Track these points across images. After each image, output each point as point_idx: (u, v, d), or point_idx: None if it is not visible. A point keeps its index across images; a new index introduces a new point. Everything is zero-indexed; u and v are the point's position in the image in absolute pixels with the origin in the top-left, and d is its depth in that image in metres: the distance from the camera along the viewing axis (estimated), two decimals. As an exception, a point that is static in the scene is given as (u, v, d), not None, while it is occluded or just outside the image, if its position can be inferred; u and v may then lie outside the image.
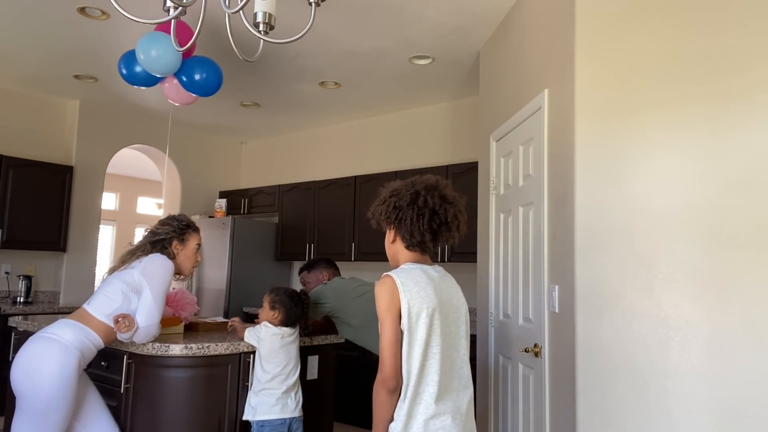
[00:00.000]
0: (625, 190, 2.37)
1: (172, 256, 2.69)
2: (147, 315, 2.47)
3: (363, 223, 5.40)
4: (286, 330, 2.72)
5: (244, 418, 2.66)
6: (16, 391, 2.33)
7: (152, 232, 2.73)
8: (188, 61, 3.39)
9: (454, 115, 5.42)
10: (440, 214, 1.88)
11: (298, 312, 2.75)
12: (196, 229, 2.83)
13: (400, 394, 1.79)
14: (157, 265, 2.56)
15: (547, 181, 2.77)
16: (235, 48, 2.03)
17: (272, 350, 2.67)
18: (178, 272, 2.76)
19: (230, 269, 5.89)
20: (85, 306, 2.50)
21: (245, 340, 2.72)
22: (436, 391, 1.79)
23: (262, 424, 2.61)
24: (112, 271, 2.63)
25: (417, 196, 1.89)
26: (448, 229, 1.91)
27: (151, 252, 2.64)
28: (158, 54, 3.17)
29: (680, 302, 2.21)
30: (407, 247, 1.93)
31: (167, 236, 2.70)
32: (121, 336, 2.45)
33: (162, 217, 2.85)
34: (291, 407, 2.68)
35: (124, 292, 2.49)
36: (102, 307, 2.47)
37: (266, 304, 2.76)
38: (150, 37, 3.18)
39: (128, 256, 2.65)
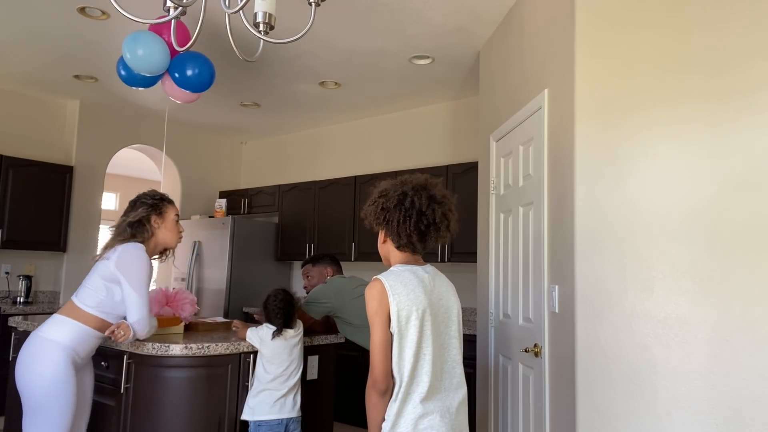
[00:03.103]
0: (625, 190, 2.37)
1: (151, 234, 2.63)
2: (135, 311, 2.45)
3: (363, 223, 5.39)
4: (290, 331, 2.72)
5: (243, 418, 2.66)
6: (18, 390, 2.39)
7: (128, 213, 2.64)
8: (178, 58, 3.37)
9: (454, 115, 5.42)
10: (428, 214, 1.87)
11: (273, 308, 2.72)
12: (170, 201, 2.76)
13: (391, 395, 1.80)
14: (130, 255, 2.49)
15: (547, 181, 2.77)
16: (235, 48, 2.03)
17: (276, 351, 2.68)
18: (165, 247, 2.71)
19: (230, 269, 5.89)
20: (73, 298, 2.51)
21: (247, 340, 2.71)
22: (426, 391, 1.80)
23: (259, 424, 2.62)
24: (97, 259, 2.59)
25: (404, 197, 1.88)
26: (436, 229, 1.89)
27: (133, 236, 2.58)
28: (145, 53, 3.12)
29: (680, 302, 2.21)
30: (398, 248, 1.93)
31: (145, 213, 2.63)
32: (126, 342, 2.47)
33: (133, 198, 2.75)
34: (289, 407, 2.68)
35: (105, 285, 2.48)
36: (88, 299, 2.47)
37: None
38: (135, 36, 3.13)
39: (110, 242, 2.60)
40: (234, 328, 2.93)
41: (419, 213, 1.86)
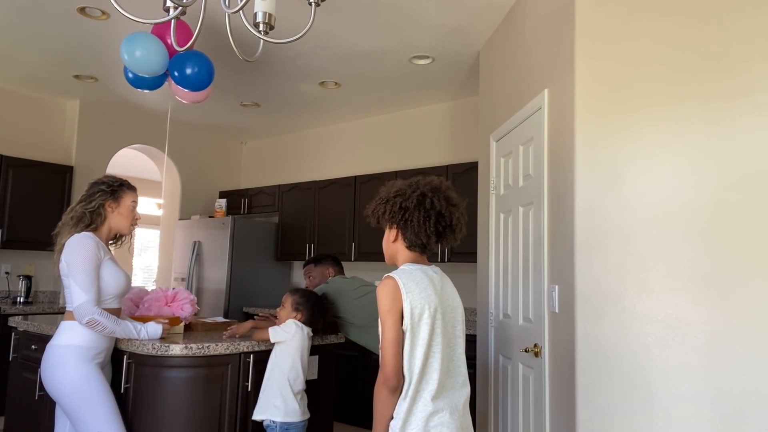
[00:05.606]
0: (625, 190, 2.37)
1: (104, 218, 2.61)
2: (73, 297, 2.46)
3: (363, 223, 5.39)
4: (308, 330, 2.75)
5: (269, 417, 2.59)
6: (53, 398, 2.52)
7: (86, 200, 2.61)
8: (176, 58, 3.36)
9: (454, 115, 5.42)
10: (446, 216, 1.90)
11: (319, 317, 2.80)
12: (131, 188, 2.72)
13: (400, 393, 1.80)
14: (71, 245, 2.50)
15: (547, 181, 2.77)
16: (235, 48, 2.03)
17: (304, 345, 2.70)
18: (117, 232, 2.68)
19: (230, 269, 5.89)
20: (66, 304, 2.58)
21: (273, 339, 2.66)
22: (435, 389, 1.81)
23: (287, 427, 2.59)
24: (57, 258, 2.59)
25: (424, 197, 1.90)
26: (452, 231, 1.93)
27: (91, 223, 2.57)
28: (142, 54, 3.12)
29: (680, 302, 2.21)
30: (408, 247, 1.94)
31: (102, 201, 2.60)
32: (103, 333, 2.50)
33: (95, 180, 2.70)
34: (305, 408, 2.69)
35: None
36: (72, 301, 2.50)
37: (288, 305, 2.77)
38: (132, 38, 3.14)
39: (65, 232, 2.58)
40: (227, 335, 2.82)
41: (438, 214, 1.89)
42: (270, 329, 2.70)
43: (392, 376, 1.79)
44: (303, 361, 2.68)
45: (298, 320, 2.73)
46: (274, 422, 2.58)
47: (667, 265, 2.25)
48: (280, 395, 2.60)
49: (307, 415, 2.69)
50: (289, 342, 2.67)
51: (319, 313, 2.81)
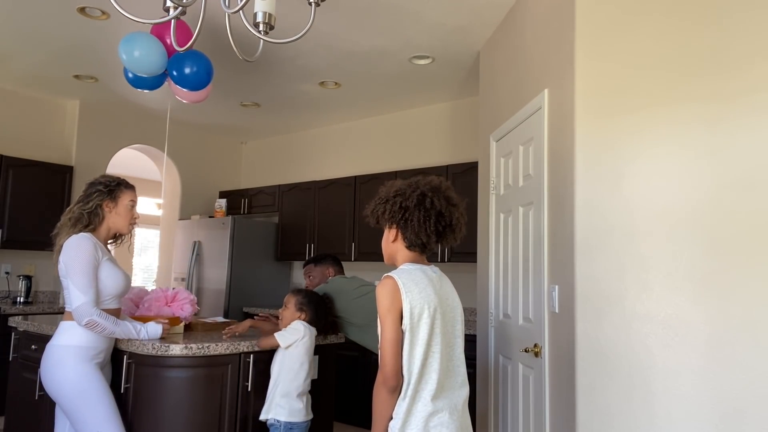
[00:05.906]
0: (625, 190, 2.37)
1: (101, 218, 2.60)
2: (72, 299, 2.46)
3: (363, 223, 5.39)
4: (314, 330, 2.76)
5: (273, 416, 2.60)
6: (52, 399, 2.53)
7: (84, 200, 2.61)
8: (175, 57, 3.36)
9: (454, 115, 5.42)
10: (446, 216, 1.91)
11: (322, 317, 2.81)
12: (129, 187, 2.70)
13: (400, 393, 1.80)
14: (69, 247, 2.50)
15: (547, 181, 2.77)
16: (235, 48, 2.03)
17: (312, 347, 2.71)
18: (116, 232, 2.67)
19: (230, 269, 5.89)
20: (65, 305, 2.58)
21: (285, 344, 2.64)
22: (435, 389, 1.81)
23: (291, 426, 2.60)
24: (56, 259, 2.59)
25: (423, 197, 1.90)
26: (452, 231, 1.94)
27: (89, 224, 2.58)
28: (141, 54, 3.12)
29: (680, 302, 2.21)
30: (408, 247, 1.94)
31: (99, 201, 2.60)
32: (103, 334, 2.50)
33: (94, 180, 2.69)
34: (309, 408, 2.69)
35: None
36: (71, 302, 2.50)
37: (291, 305, 2.76)
38: (130, 38, 3.14)
39: (63, 232, 2.58)
40: (227, 335, 2.78)
41: (438, 214, 1.90)
42: (276, 335, 2.67)
43: (391, 375, 1.79)
44: (310, 362, 2.69)
45: (302, 320, 2.73)
46: (278, 421, 2.60)
47: (667, 265, 2.25)
48: (285, 395, 2.61)
49: (311, 416, 2.69)
50: (298, 342, 2.67)
51: (322, 313, 2.82)
